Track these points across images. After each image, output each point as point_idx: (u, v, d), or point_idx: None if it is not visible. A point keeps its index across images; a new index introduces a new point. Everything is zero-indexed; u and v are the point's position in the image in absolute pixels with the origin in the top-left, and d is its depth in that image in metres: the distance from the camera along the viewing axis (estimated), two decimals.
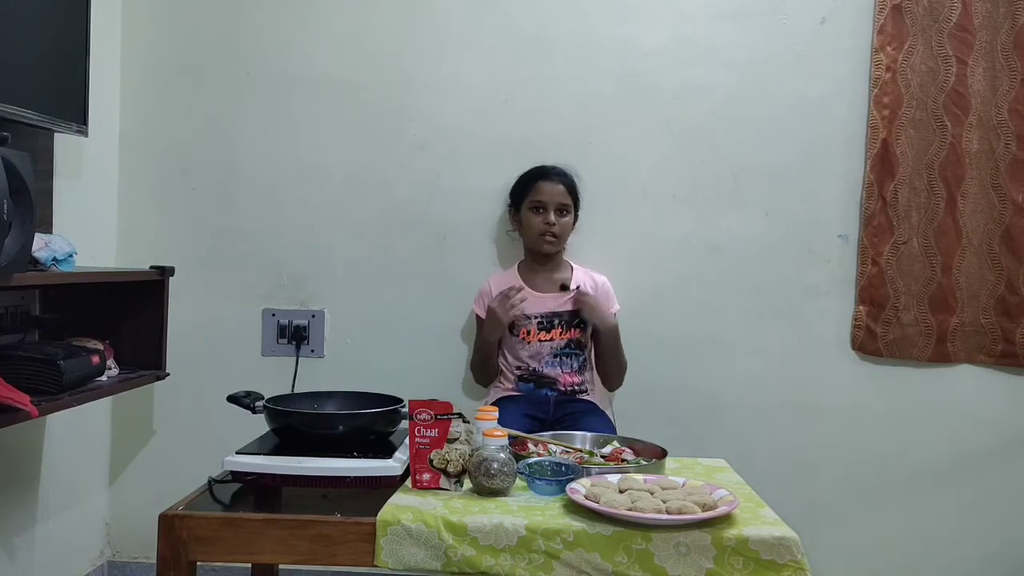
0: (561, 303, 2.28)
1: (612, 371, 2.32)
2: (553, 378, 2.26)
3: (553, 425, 2.14)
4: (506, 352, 2.32)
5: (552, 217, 2.27)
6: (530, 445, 1.76)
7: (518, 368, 2.29)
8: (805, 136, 2.45)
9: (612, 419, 2.28)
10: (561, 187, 2.29)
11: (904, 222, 2.41)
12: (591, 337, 2.32)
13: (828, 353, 2.47)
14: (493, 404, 2.16)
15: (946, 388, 2.46)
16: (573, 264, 2.38)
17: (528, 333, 2.26)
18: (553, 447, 1.77)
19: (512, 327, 2.27)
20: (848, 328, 2.46)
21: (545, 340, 2.26)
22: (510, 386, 2.30)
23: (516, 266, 2.39)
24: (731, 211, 2.46)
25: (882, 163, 2.41)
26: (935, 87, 2.39)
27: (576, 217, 2.34)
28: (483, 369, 2.33)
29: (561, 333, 2.27)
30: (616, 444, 1.81)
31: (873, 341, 2.44)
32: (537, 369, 2.27)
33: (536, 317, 2.26)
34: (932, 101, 2.39)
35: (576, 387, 2.27)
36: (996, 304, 2.42)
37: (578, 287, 2.28)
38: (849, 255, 2.46)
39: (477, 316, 2.35)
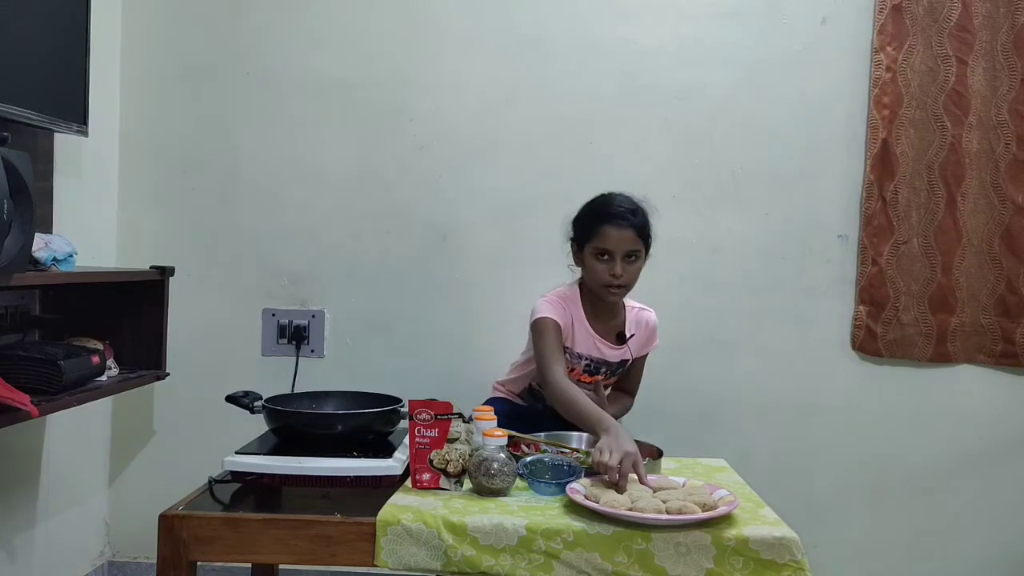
0: (615, 353, 2.05)
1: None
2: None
3: (543, 423, 2.06)
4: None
5: (619, 268, 1.93)
6: (523, 447, 1.74)
7: (538, 387, 2.10)
8: (805, 136, 2.45)
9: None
10: (631, 232, 1.93)
11: (904, 222, 2.41)
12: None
13: (828, 353, 2.47)
14: (487, 404, 2.09)
15: (946, 388, 2.46)
16: (625, 301, 2.10)
17: (572, 371, 2.02)
18: (545, 447, 1.74)
19: None
20: (848, 328, 2.46)
21: (586, 382, 2.07)
22: (516, 392, 2.19)
23: (577, 289, 2.05)
24: (731, 211, 2.46)
25: (882, 163, 2.40)
26: (935, 87, 2.39)
27: (648, 256, 2.01)
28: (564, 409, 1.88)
29: (604, 379, 2.09)
30: None
31: (873, 341, 2.44)
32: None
33: (585, 359, 2.03)
34: (932, 101, 2.39)
35: None
36: (996, 304, 2.42)
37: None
38: (849, 255, 2.46)
39: (548, 319, 1.95)
